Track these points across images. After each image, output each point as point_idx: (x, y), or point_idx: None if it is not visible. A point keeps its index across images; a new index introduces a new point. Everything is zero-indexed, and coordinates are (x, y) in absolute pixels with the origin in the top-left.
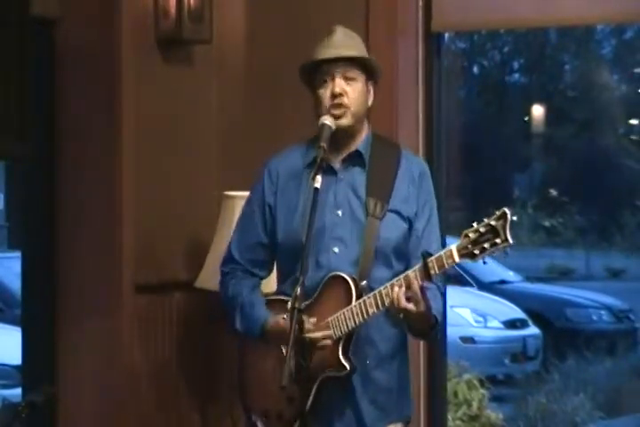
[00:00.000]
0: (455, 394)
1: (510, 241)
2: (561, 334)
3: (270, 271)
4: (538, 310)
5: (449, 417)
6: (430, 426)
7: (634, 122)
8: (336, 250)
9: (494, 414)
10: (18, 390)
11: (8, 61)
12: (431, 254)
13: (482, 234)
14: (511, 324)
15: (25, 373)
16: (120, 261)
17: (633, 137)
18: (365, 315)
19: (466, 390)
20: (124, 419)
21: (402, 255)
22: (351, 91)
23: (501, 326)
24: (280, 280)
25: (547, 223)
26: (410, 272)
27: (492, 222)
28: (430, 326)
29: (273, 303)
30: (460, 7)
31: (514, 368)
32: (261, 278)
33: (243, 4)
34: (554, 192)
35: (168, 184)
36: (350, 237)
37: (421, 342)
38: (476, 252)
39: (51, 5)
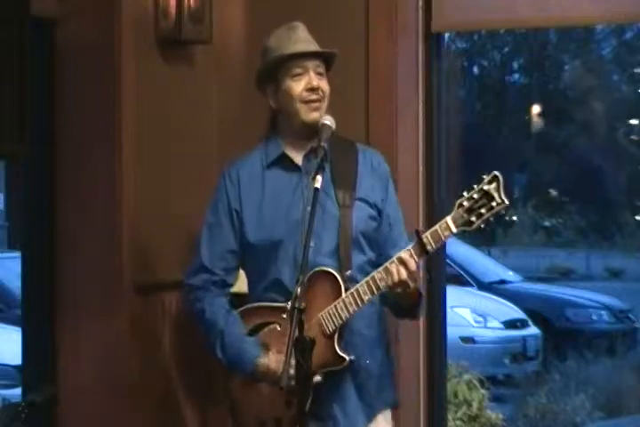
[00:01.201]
0: (455, 394)
1: (506, 202)
2: (561, 334)
3: (237, 278)
4: (538, 310)
5: (449, 417)
6: (430, 426)
7: (634, 122)
8: (312, 244)
9: (494, 414)
10: (18, 390)
11: (8, 61)
12: (424, 231)
13: (476, 200)
14: (511, 324)
15: (25, 373)
16: (120, 261)
17: (633, 137)
18: (360, 303)
19: (466, 391)
20: (123, 419)
21: (371, 241)
22: (324, 85)
23: (501, 326)
24: (254, 283)
25: (547, 223)
26: (403, 253)
27: (485, 187)
28: (417, 302)
29: (255, 311)
30: (460, 7)
31: (514, 368)
32: (230, 286)
33: (243, 5)
34: (554, 192)
35: (168, 184)
36: (322, 230)
37: (421, 342)
38: (473, 219)
39: (51, 5)
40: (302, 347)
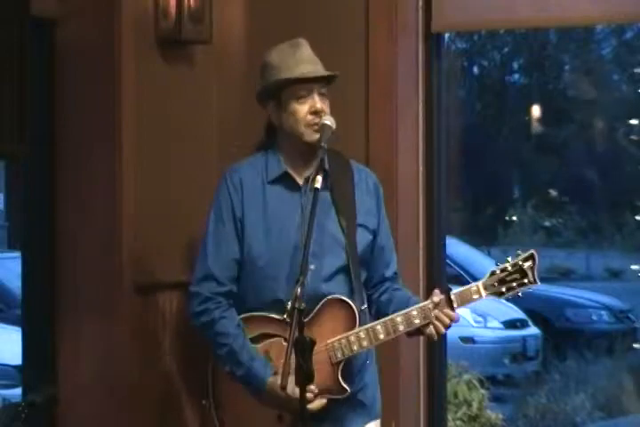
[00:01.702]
0: (455, 394)
1: (538, 283)
2: (561, 334)
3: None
4: (538, 310)
5: (449, 417)
6: (430, 426)
7: (634, 122)
8: (312, 267)
9: (494, 414)
10: (18, 390)
11: (8, 61)
12: (451, 289)
13: (510, 273)
14: (511, 324)
15: (25, 373)
16: (120, 261)
17: (633, 137)
18: (374, 341)
19: (466, 391)
20: (123, 419)
21: (367, 264)
22: (325, 107)
23: (501, 326)
24: (251, 299)
25: (547, 223)
26: (429, 304)
27: (520, 263)
28: None
29: (259, 320)
30: (460, 7)
31: (514, 368)
32: (235, 295)
33: (242, 4)
34: (554, 192)
35: (168, 184)
36: (322, 253)
37: (421, 342)
38: (503, 290)
39: (51, 5)
40: (302, 348)
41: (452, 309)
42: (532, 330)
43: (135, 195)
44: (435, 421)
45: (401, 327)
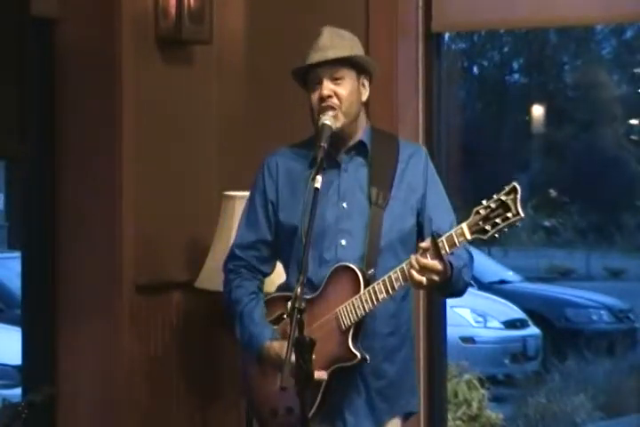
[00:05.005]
0: (455, 394)
1: (522, 215)
2: (561, 334)
3: (273, 268)
4: (538, 310)
5: (449, 417)
6: (430, 426)
7: (634, 122)
8: (343, 242)
9: (494, 414)
10: (18, 390)
11: (8, 61)
12: (440, 235)
13: (493, 210)
14: (511, 324)
15: (25, 373)
16: (120, 261)
17: (633, 137)
18: (375, 301)
19: (466, 390)
20: (123, 419)
21: (408, 245)
22: (340, 90)
23: (501, 326)
24: (290, 273)
25: (547, 223)
26: (418, 254)
27: (503, 197)
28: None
29: (275, 301)
30: (460, 7)
31: (514, 368)
32: (265, 275)
33: (243, 5)
34: (554, 192)
35: (168, 184)
36: (357, 228)
37: (421, 342)
38: (488, 228)
39: (50, 5)
40: (302, 348)
41: (440, 256)
42: (532, 330)
43: (135, 195)
44: (435, 421)
45: (398, 284)
